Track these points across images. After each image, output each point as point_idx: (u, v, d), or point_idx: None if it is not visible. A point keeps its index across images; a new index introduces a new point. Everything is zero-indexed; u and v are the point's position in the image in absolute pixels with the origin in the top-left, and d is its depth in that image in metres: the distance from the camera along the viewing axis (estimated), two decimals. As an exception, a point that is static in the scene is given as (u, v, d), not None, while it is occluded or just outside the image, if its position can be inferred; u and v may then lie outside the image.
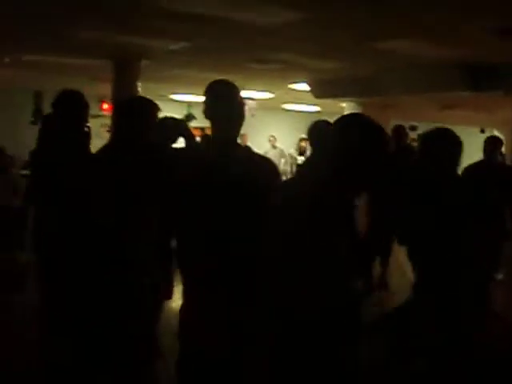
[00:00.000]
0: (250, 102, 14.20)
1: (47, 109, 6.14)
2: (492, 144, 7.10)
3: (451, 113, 12.61)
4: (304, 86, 12.10)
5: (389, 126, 13.55)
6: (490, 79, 9.22)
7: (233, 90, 3.35)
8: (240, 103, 3.31)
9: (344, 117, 2.63)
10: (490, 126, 16.94)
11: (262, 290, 2.39)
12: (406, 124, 14.00)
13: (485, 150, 7.09)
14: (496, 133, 16.19)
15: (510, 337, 6.06)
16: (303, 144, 14.00)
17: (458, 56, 8.46)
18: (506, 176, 7.03)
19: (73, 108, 4.44)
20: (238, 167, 3.11)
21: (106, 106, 13.21)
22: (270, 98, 14.49)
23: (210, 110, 3.28)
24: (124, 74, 9.90)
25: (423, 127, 17.91)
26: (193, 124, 13.26)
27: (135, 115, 3.81)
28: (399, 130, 8.17)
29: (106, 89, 10.24)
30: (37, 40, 8.54)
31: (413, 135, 14.45)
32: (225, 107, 3.23)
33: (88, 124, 4.60)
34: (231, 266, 2.99)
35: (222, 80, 3.41)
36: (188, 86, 12.24)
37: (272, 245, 2.37)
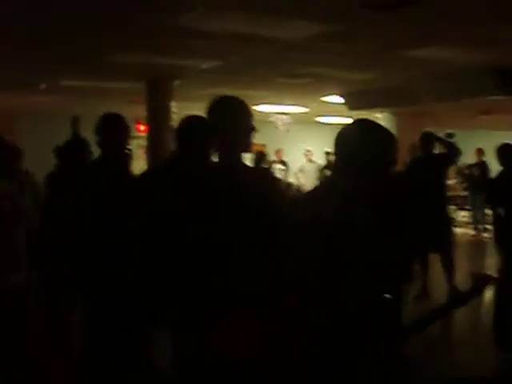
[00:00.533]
0: (284, 116, 14.25)
1: (84, 133, 6.28)
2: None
3: (487, 118, 12.46)
4: (337, 99, 12.11)
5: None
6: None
7: (235, 104, 3.29)
8: (244, 117, 3.25)
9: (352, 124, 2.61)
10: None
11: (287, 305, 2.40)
12: (442, 132, 13.91)
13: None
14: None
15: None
16: (329, 158, 14.00)
17: (490, 60, 8.39)
18: None
19: (115, 131, 4.49)
20: (245, 189, 3.12)
21: (142, 127, 13.38)
22: (303, 112, 14.52)
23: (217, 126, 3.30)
24: (157, 95, 10.05)
25: (460, 134, 17.74)
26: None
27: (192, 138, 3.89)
28: (427, 137, 8.11)
29: (141, 110, 10.39)
30: (72, 65, 8.72)
31: (450, 142, 14.35)
32: (229, 122, 3.23)
33: (129, 146, 4.66)
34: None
35: (224, 96, 3.36)
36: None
37: (303, 260, 2.37)
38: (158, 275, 3.58)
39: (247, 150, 3.28)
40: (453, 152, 7.89)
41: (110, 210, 4.28)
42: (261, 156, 10.76)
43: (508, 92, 9.33)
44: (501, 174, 6.83)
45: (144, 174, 4.12)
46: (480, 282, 2.51)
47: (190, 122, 4.04)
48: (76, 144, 6.23)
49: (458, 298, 2.51)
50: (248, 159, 3.61)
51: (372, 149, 2.46)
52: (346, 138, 2.54)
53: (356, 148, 2.48)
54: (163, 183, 3.73)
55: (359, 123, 2.58)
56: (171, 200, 3.46)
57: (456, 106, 11.25)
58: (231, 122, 3.22)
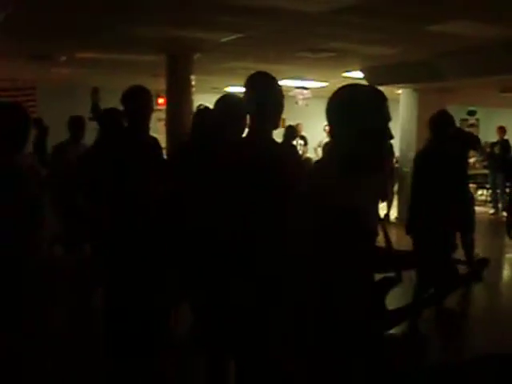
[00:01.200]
0: (305, 91, 14.16)
1: (104, 104, 6.30)
2: None
3: (510, 96, 12.29)
4: (358, 74, 11.99)
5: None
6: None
7: (268, 81, 3.32)
8: (276, 93, 3.28)
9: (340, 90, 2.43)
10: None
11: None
12: (464, 109, 13.75)
13: None
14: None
15: None
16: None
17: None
18: None
19: (142, 102, 4.56)
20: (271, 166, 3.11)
21: (161, 100, 13.37)
22: (324, 87, 14.42)
23: (246, 102, 3.31)
24: (177, 68, 10.01)
25: (482, 111, 17.56)
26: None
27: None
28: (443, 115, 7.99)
29: (161, 84, 10.37)
30: (92, 38, 8.71)
31: (471, 120, 14.20)
32: (261, 98, 3.24)
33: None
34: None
35: (258, 72, 3.43)
36: (243, 78, 12.24)
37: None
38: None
39: (277, 127, 3.31)
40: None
41: (135, 183, 4.36)
42: (291, 131, 10.68)
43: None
44: None
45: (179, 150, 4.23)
46: (478, 266, 2.48)
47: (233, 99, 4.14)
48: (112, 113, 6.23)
49: (456, 282, 2.45)
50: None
51: (362, 115, 2.33)
52: (334, 105, 2.40)
53: (344, 115, 2.36)
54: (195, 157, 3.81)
55: (345, 89, 2.43)
56: (205, 173, 3.50)
57: (479, 83, 11.09)
58: (266, 98, 3.24)
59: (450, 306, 6.17)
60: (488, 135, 15.68)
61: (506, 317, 6.68)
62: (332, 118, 2.40)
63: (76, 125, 7.31)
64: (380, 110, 2.38)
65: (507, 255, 9.13)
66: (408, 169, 12.49)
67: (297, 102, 14.18)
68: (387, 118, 2.39)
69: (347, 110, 2.35)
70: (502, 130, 14.25)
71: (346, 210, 2.18)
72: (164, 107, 11.02)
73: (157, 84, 10.66)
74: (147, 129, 4.77)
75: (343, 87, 2.41)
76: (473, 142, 7.56)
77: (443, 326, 5.99)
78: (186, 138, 5.14)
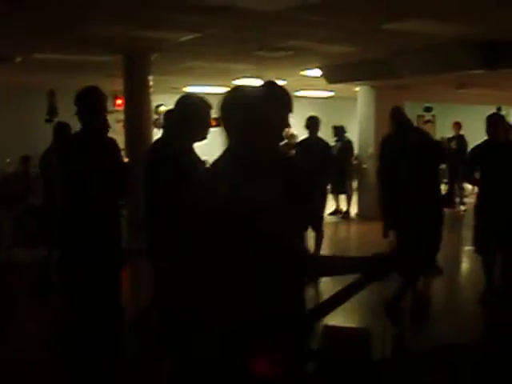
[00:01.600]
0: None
1: (61, 106, 6.23)
2: (494, 122, 7.04)
3: (466, 92, 12.50)
4: (317, 72, 12.05)
5: (403, 107, 13.51)
6: (504, 57, 9.12)
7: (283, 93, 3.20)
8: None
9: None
10: (506, 103, 16.77)
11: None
12: (421, 105, 13.93)
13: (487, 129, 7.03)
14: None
15: None
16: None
17: (471, 34, 8.37)
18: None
19: (94, 102, 4.56)
20: None
21: (119, 101, 13.24)
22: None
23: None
24: (135, 68, 9.90)
25: (439, 108, 17.82)
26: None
27: None
28: (396, 111, 8.06)
29: (119, 84, 10.27)
30: (48, 38, 8.57)
31: (428, 116, 14.39)
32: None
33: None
34: None
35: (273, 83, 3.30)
36: (202, 78, 12.24)
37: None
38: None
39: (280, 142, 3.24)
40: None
41: (93, 185, 4.35)
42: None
43: (487, 66, 9.34)
44: (483, 144, 6.88)
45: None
46: (381, 262, 2.39)
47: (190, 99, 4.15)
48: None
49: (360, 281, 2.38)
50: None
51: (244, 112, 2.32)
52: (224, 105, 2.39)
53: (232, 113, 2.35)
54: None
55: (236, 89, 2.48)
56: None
57: (436, 79, 11.25)
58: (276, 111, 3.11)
59: (412, 297, 6.28)
60: (444, 131, 15.94)
61: (464, 307, 6.81)
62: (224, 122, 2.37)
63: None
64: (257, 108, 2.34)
65: (465, 248, 9.32)
66: (367, 165, 12.64)
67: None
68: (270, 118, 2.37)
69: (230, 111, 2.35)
70: (457, 126, 14.50)
71: (238, 215, 2.17)
72: (122, 108, 10.91)
73: (114, 85, 10.56)
74: (105, 129, 4.74)
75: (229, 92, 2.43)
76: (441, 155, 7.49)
77: (406, 317, 6.09)
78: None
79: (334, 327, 2.45)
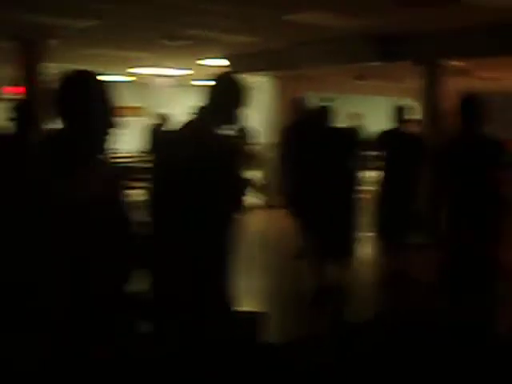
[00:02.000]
0: (164, 79, 14.06)
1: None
2: (398, 113, 7.34)
3: (364, 83, 12.87)
4: (219, 61, 12.05)
5: (304, 98, 13.70)
6: (400, 50, 9.47)
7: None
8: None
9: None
10: (401, 95, 17.37)
11: None
12: (320, 96, 14.22)
13: (394, 119, 7.31)
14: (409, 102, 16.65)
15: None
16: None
17: (368, 27, 8.64)
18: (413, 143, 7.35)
19: None
20: None
21: (12, 88, 12.76)
22: (184, 75, 14.38)
23: None
24: (30, 55, 9.55)
25: (340, 99, 18.22)
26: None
27: None
28: (296, 102, 8.26)
29: (16, 71, 9.90)
30: None
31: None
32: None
33: None
34: None
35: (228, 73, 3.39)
36: (103, 65, 11.98)
37: None
38: None
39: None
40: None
41: None
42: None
43: (384, 58, 9.67)
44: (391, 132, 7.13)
45: None
46: None
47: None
48: None
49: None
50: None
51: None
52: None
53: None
54: None
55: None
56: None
57: (335, 71, 11.51)
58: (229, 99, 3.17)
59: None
60: (344, 121, 16.31)
61: (362, 288, 7.03)
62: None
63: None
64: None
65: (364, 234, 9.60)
66: (271, 154, 12.77)
67: (156, 90, 14.07)
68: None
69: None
70: (354, 116, 14.91)
71: None
72: (13, 96, 10.54)
73: (11, 71, 10.18)
74: None
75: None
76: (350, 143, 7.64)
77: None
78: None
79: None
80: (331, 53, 10.02)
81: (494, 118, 5.84)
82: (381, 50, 9.50)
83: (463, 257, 6.00)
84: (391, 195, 7.11)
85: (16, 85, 11.56)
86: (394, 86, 15.43)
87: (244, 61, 11.55)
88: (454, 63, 9.67)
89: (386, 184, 7.19)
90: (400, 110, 7.25)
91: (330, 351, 3.08)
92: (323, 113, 6.97)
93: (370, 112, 16.04)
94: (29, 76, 9.65)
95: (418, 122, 11.06)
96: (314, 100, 13.60)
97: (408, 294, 6.53)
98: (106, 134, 2.27)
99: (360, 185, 7.19)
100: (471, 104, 5.36)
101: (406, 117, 7.28)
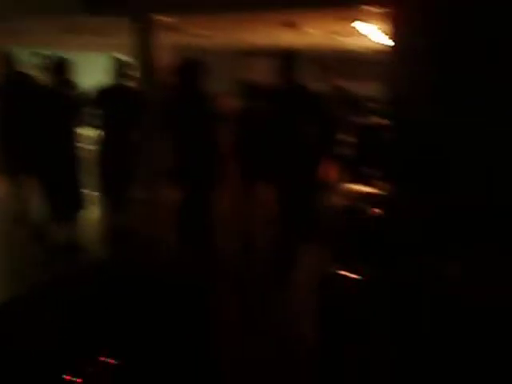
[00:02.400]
0: None
1: None
2: (119, 68, 7.20)
3: (71, 38, 12.38)
4: None
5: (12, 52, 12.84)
6: (109, 4, 9.23)
7: None
8: None
9: None
10: (112, 50, 17.10)
11: None
12: (30, 50, 13.40)
13: (114, 74, 7.17)
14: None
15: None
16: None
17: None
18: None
19: None
20: None
21: None
22: None
23: None
24: None
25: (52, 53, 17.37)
26: None
27: None
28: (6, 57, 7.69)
29: None
30: None
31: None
32: None
33: None
34: None
35: None
36: None
37: None
38: None
39: None
40: None
41: None
42: None
43: (94, 13, 9.35)
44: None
45: None
46: None
47: None
48: None
49: None
50: None
51: None
52: None
53: None
54: None
55: None
56: None
57: (38, 23, 10.82)
58: None
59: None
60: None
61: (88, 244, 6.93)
62: None
63: None
64: None
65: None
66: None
67: None
68: None
69: None
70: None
71: None
72: None
73: None
74: None
75: None
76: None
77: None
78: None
79: None
80: (32, 3, 9.42)
81: (209, 73, 6.10)
82: (89, 3, 9.17)
83: (186, 206, 6.22)
84: (111, 152, 7.04)
85: None
86: (104, 42, 15.13)
87: None
88: (167, 19, 9.72)
89: (105, 141, 7.07)
90: (120, 65, 7.13)
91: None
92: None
93: (84, 67, 15.58)
94: None
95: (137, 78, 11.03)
96: (22, 55, 12.79)
97: (127, 247, 6.62)
98: None
99: (81, 143, 7.06)
100: (190, 69, 5.64)
101: (127, 72, 7.21)
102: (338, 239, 4.58)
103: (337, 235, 4.68)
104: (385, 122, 6.89)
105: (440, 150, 5.66)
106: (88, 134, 7.34)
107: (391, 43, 7.18)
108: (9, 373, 2.48)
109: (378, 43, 11.97)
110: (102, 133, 7.03)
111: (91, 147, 7.25)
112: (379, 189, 5.58)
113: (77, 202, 6.95)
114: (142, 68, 9.84)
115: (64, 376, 2.54)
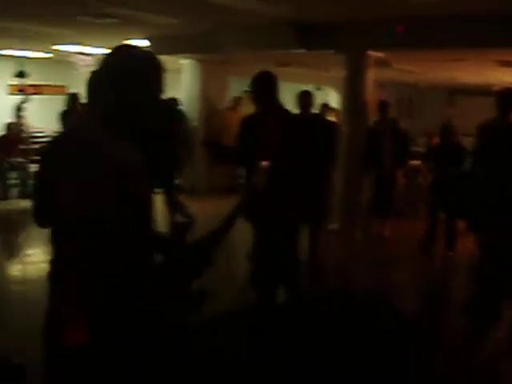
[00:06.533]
0: (87, 58, 13.71)
1: None
2: (304, 98, 7.53)
3: (286, 70, 12.97)
4: (142, 42, 11.86)
5: (227, 81, 13.72)
6: (321, 39, 9.58)
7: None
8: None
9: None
10: (324, 83, 17.62)
11: None
12: (245, 80, 14.23)
13: (299, 104, 7.51)
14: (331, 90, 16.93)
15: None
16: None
17: (291, 15, 8.71)
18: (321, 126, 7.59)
19: None
20: None
21: None
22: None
23: None
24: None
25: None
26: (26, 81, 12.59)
27: None
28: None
29: None
30: None
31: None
32: None
33: None
34: None
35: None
36: (19, 41, 11.53)
37: None
38: None
39: None
40: None
41: None
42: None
43: (307, 47, 9.77)
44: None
45: None
46: (179, 230, 2.56)
47: None
48: None
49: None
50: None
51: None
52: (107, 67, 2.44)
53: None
54: None
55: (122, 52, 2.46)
56: None
57: (257, 56, 11.53)
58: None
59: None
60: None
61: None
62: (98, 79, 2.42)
63: None
64: (150, 80, 2.35)
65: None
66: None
67: (77, 69, 13.71)
68: (157, 90, 2.37)
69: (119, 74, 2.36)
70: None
71: None
72: None
73: None
74: None
75: (119, 49, 2.45)
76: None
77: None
78: None
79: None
80: (254, 38, 10.04)
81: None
82: (304, 38, 9.59)
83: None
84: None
85: None
86: (317, 75, 15.65)
87: (167, 42, 11.44)
88: (376, 54, 9.86)
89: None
90: (305, 96, 7.45)
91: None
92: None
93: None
94: None
95: (336, 110, 11.32)
96: (236, 85, 13.66)
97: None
98: None
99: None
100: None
101: (312, 102, 7.53)
102: None
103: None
104: None
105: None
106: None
107: None
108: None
109: None
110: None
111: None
112: None
113: None
114: (347, 101, 10.07)
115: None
